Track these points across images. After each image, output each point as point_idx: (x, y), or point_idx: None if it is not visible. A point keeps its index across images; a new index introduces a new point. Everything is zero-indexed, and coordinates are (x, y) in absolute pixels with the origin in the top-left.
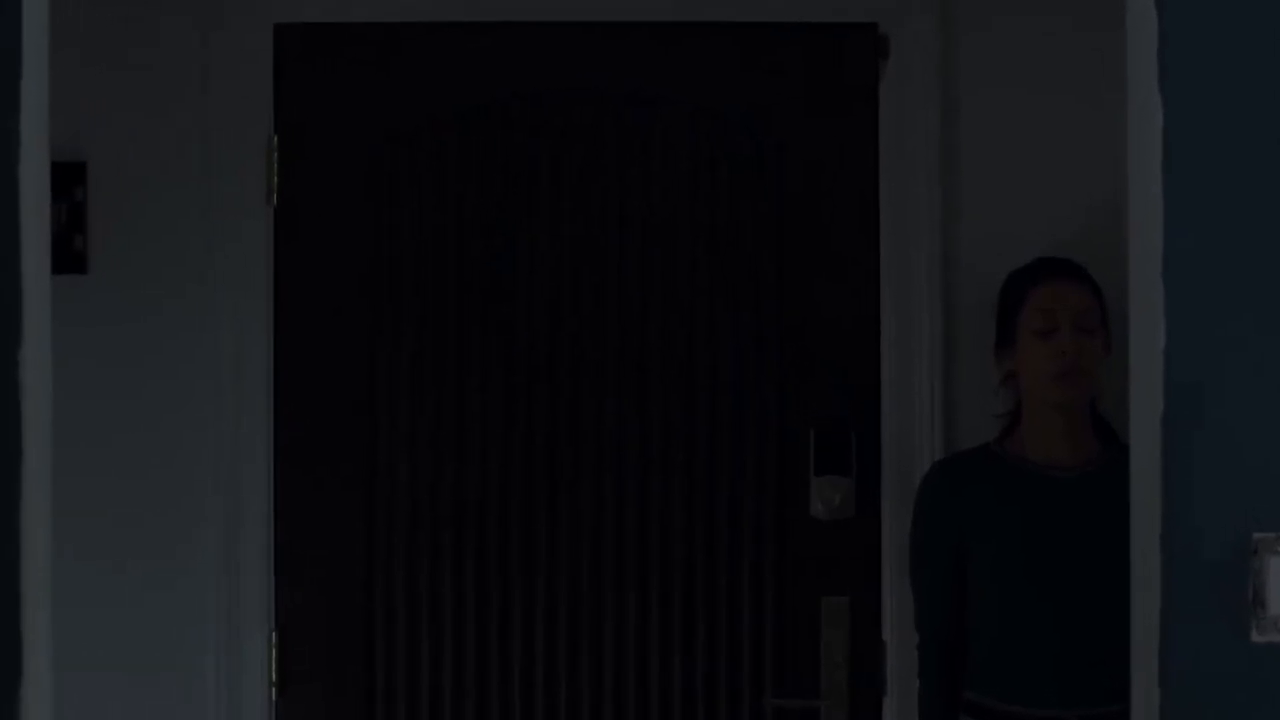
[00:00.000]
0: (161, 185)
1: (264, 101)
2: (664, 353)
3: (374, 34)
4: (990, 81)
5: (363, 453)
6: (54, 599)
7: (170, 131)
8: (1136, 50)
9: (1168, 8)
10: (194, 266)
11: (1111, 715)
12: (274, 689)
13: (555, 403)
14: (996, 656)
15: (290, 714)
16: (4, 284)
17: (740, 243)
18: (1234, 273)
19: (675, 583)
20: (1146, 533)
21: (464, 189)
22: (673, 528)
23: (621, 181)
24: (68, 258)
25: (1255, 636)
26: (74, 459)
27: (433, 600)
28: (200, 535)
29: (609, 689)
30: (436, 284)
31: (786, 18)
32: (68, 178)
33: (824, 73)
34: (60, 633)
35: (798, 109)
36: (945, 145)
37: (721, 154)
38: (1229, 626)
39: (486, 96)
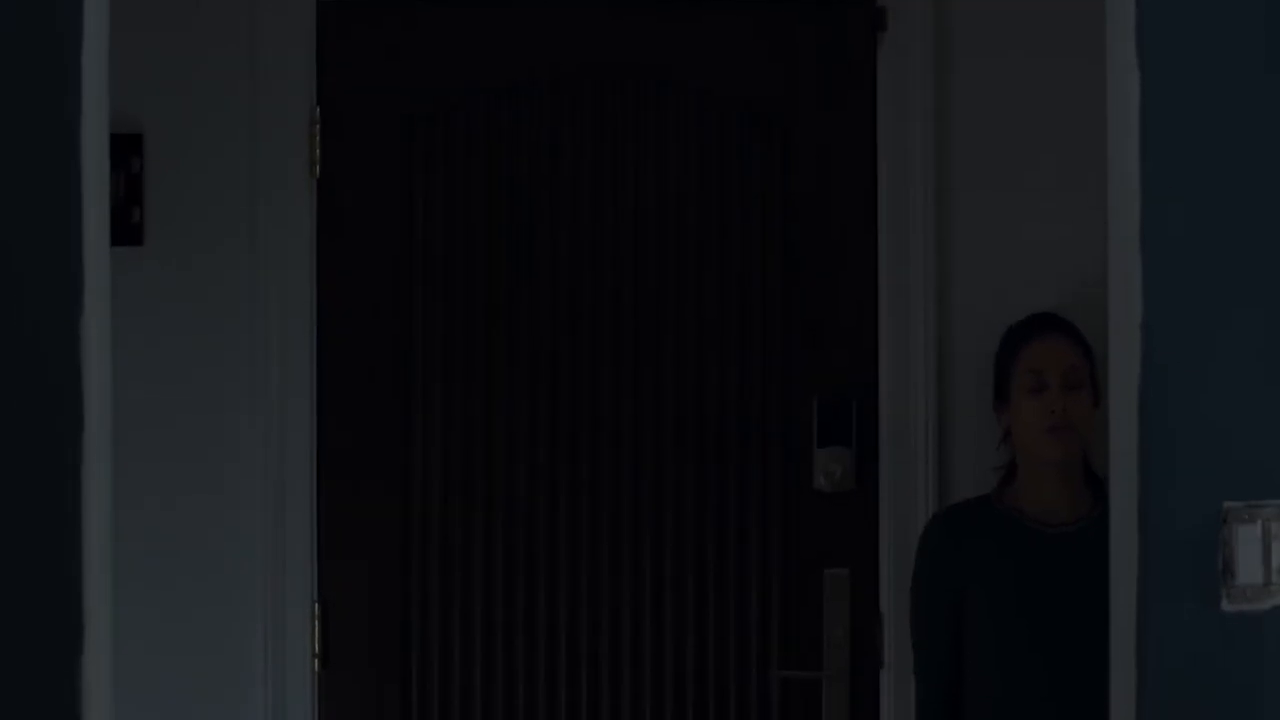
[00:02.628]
0: (212, 158)
1: (307, 76)
2: (676, 330)
3: (406, 11)
4: (984, 50)
5: (399, 427)
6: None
7: (219, 104)
8: (1115, 21)
9: None
10: (242, 237)
11: None
12: (317, 661)
13: (575, 379)
14: (995, 707)
15: (333, 687)
16: (66, 255)
17: (747, 217)
18: (1213, 247)
19: (687, 558)
20: (1125, 505)
21: (487, 165)
22: (685, 504)
23: (634, 162)
24: (125, 230)
25: (1226, 606)
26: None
27: (464, 576)
28: (247, 513)
29: (626, 661)
30: (465, 255)
31: None
32: (125, 149)
33: (826, 46)
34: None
35: (800, 83)
36: (940, 111)
37: (727, 129)
38: (1202, 596)
39: (508, 76)
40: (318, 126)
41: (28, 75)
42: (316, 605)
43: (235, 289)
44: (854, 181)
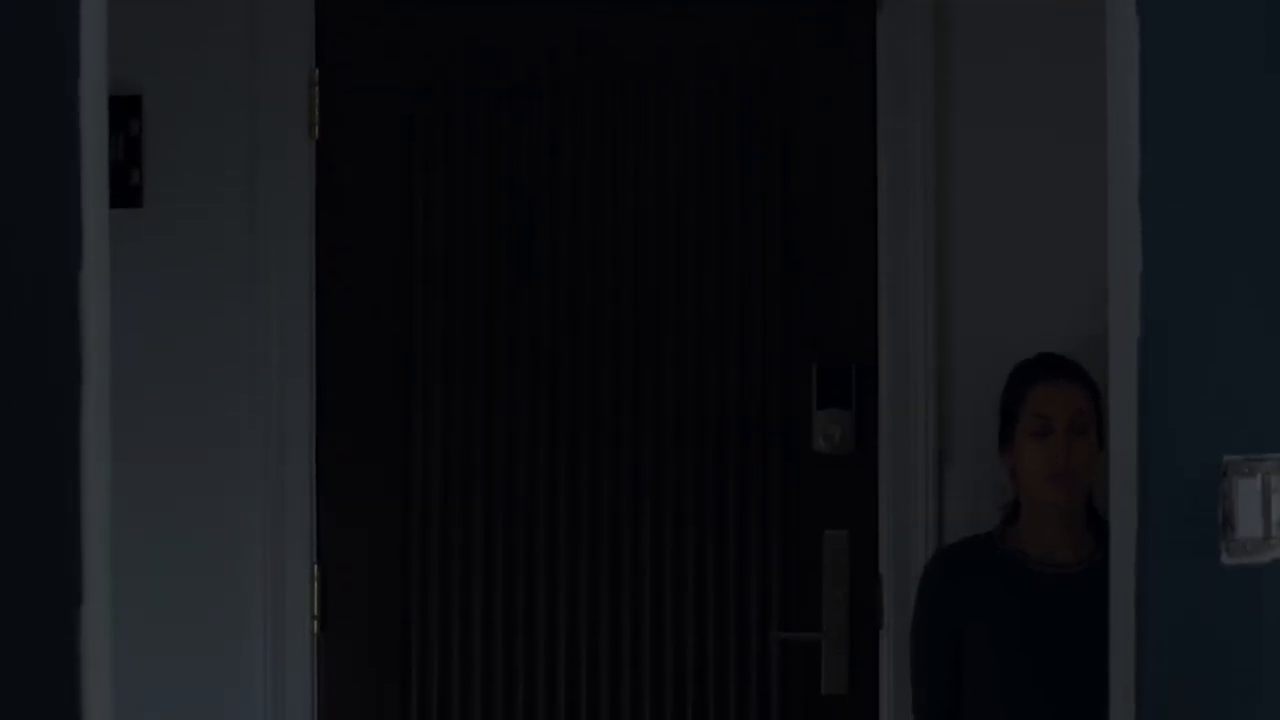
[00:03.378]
0: (211, 120)
1: (306, 37)
2: (677, 296)
3: (406, 9)
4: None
5: (399, 395)
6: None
7: (218, 66)
8: None
9: None
10: (241, 199)
11: None
12: (316, 623)
13: (575, 347)
14: None
15: (331, 649)
16: (66, 209)
17: (747, 179)
18: (1213, 199)
19: (688, 521)
20: (1125, 458)
21: (487, 148)
22: (685, 468)
23: (634, 159)
24: (124, 192)
25: (1225, 559)
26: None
27: (464, 541)
28: (247, 477)
29: (625, 620)
30: (465, 232)
31: None
32: (124, 111)
33: (826, 8)
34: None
35: (800, 44)
36: (939, 63)
37: (729, 93)
38: (1201, 549)
39: (508, 56)
40: (316, 89)
41: (26, 35)
42: (316, 567)
43: (235, 252)
44: (850, 143)
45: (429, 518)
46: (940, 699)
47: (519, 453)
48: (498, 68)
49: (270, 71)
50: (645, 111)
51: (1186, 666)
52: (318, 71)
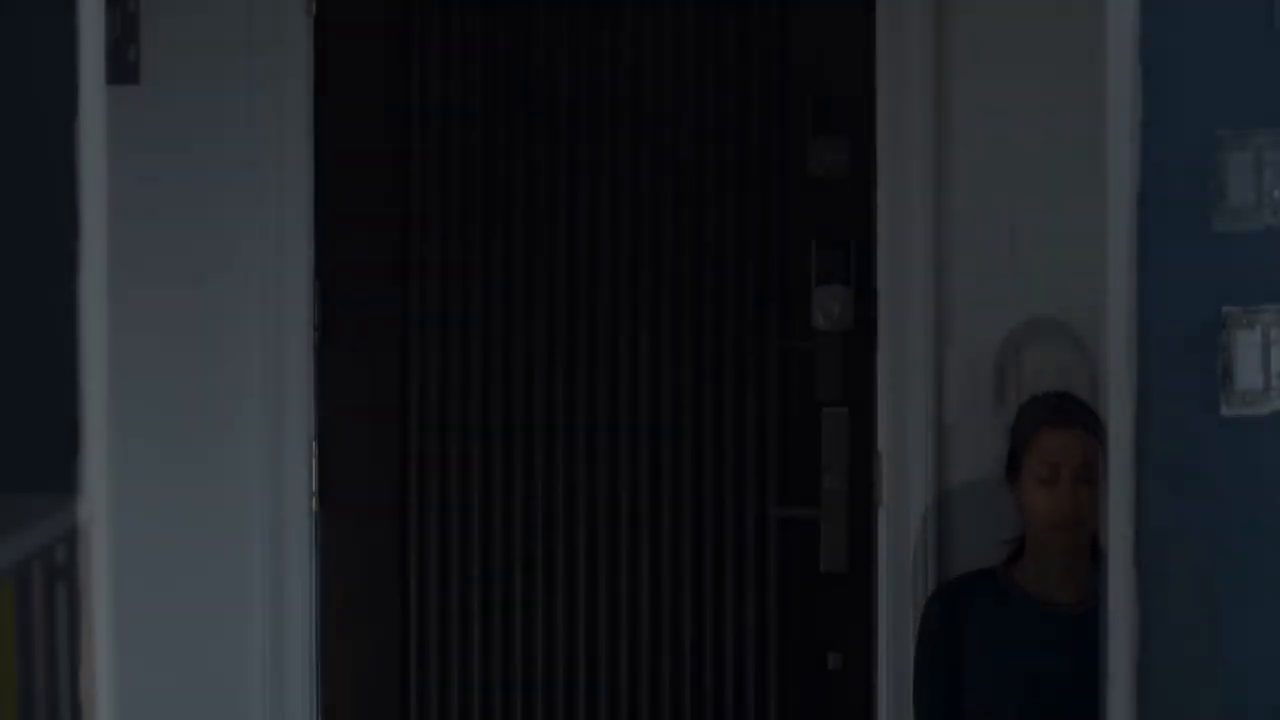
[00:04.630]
0: None
1: None
2: (674, 175)
3: None
4: None
5: (397, 269)
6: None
7: None
8: None
9: None
10: (239, 75)
11: None
12: (314, 499)
13: (573, 201)
14: None
15: (329, 524)
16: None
17: (745, 60)
18: (1211, 44)
19: (686, 396)
20: (1121, 310)
21: (482, 37)
22: (684, 343)
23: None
24: (121, 68)
25: (1225, 410)
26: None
27: (462, 423)
28: (244, 351)
29: (624, 495)
30: (463, 110)
31: None
32: None
33: None
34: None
35: None
36: None
37: None
38: (1200, 400)
39: None
40: None
41: None
42: (314, 444)
43: (234, 129)
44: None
45: (427, 395)
46: (937, 674)
47: (516, 324)
48: None
49: None
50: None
51: (1185, 515)
52: None
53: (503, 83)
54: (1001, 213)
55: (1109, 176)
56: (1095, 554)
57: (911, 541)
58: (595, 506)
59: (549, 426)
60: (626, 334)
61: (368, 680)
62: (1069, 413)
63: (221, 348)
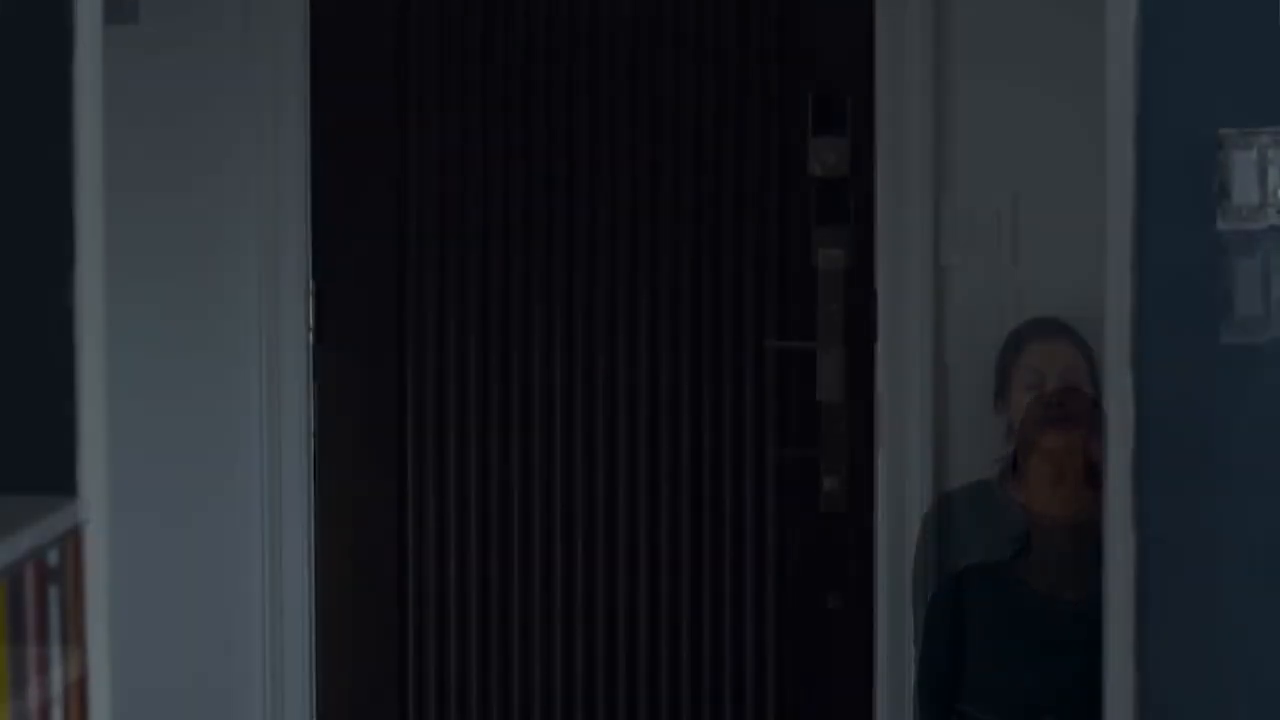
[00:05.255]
0: None
1: None
2: (673, 33)
3: None
4: None
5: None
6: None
7: None
8: None
9: None
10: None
11: None
12: (311, 335)
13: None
14: None
15: (327, 362)
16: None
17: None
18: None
19: (681, 236)
20: (1121, 131)
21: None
22: (680, 190)
23: None
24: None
25: (1221, 224)
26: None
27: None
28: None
29: (622, 342)
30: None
31: None
32: None
33: None
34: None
35: None
36: None
37: None
38: (1197, 216)
39: None
40: None
41: None
42: (311, 282)
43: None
44: None
45: (425, 234)
46: (938, 631)
47: (515, 189)
48: None
49: None
50: None
51: (1184, 330)
52: None
53: (500, 78)
54: (1003, 211)
55: (1109, 176)
56: (1091, 471)
57: (912, 544)
58: (594, 504)
59: (548, 425)
60: (625, 332)
61: (366, 681)
62: (1053, 327)
63: (219, 346)
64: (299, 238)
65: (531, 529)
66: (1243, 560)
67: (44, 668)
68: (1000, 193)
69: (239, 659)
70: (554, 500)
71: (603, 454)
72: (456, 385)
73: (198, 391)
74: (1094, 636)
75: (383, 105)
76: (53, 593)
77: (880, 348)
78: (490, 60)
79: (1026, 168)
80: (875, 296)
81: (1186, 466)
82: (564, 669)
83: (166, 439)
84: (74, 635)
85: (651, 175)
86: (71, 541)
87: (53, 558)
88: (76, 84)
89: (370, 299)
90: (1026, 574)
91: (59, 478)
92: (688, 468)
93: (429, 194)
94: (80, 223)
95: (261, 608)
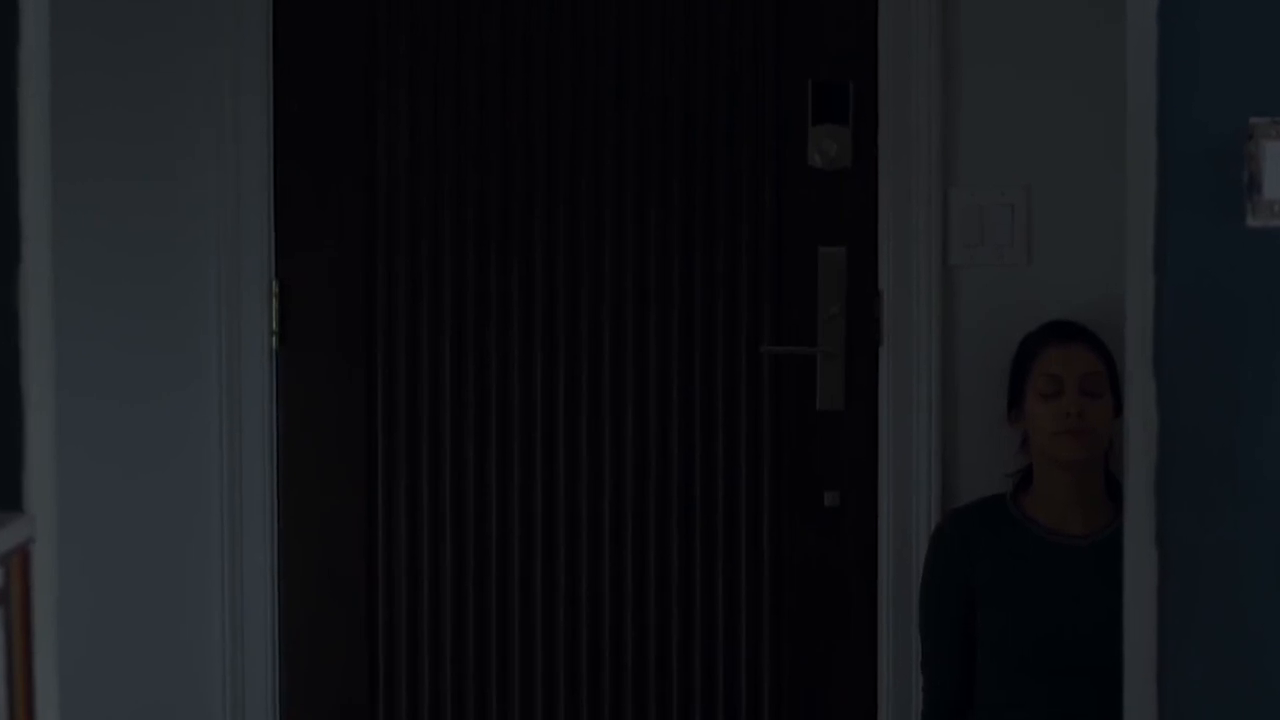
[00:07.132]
0: None
1: None
2: (662, 15)
3: None
4: None
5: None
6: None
7: None
8: None
9: None
10: None
11: None
12: (275, 338)
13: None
14: (998, 715)
15: (291, 364)
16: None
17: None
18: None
19: (675, 232)
20: (1143, 121)
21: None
22: (672, 182)
23: None
24: None
25: (1251, 221)
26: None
27: (433, 249)
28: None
29: (608, 334)
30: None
31: None
32: None
33: None
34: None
35: None
36: None
37: None
38: (1225, 211)
39: None
40: None
41: None
42: (275, 283)
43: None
44: None
45: (395, 234)
46: (946, 654)
47: (492, 182)
48: None
49: None
50: None
51: (1207, 327)
52: None
53: (476, 64)
54: (1016, 206)
55: (1129, 169)
56: (1110, 482)
57: (918, 556)
58: (576, 518)
59: (527, 434)
60: (610, 334)
61: (334, 698)
62: (1070, 330)
63: (177, 348)
64: (262, 234)
65: (510, 547)
66: (1268, 575)
67: None
68: (1013, 186)
69: (198, 684)
70: (534, 516)
71: (586, 464)
72: (430, 390)
73: (152, 396)
74: (1105, 653)
75: (351, 95)
76: None
77: (885, 353)
78: (464, 46)
79: (1041, 159)
80: (880, 298)
81: (1211, 478)
82: (545, 695)
83: (117, 447)
84: (19, 662)
85: (639, 167)
86: (17, 561)
87: None
88: (21, 72)
89: (338, 298)
90: (1031, 510)
91: (3, 492)
92: (678, 481)
93: (399, 188)
94: (26, 218)
95: (221, 630)
